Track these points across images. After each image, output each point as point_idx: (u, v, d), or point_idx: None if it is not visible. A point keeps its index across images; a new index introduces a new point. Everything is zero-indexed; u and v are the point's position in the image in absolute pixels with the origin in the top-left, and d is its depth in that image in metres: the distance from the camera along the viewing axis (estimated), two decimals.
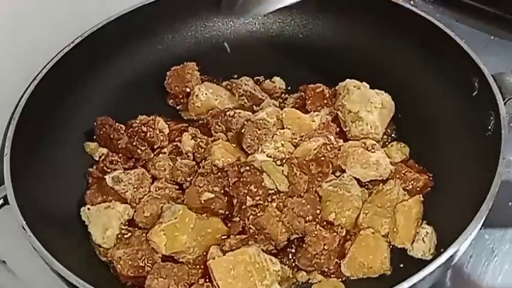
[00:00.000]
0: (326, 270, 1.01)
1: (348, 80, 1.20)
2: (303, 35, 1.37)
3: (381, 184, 1.09)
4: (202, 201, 1.06)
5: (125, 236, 1.05)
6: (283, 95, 1.29)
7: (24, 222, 0.96)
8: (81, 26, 1.24)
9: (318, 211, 1.05)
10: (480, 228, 0.95)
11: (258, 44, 1.38)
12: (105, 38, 1.27)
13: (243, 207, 1.04)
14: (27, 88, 1.15)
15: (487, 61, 1.14)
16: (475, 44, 1.37)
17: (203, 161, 1.13)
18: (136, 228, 1.07)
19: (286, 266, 1.03)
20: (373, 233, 1.03)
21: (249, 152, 1.12)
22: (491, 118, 1.06)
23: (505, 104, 1.06)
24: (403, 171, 1.10)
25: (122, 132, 1.17)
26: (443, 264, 0.90)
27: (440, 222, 1.04)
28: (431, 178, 1.10)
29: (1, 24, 1.12)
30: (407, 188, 1.09)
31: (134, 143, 1.15)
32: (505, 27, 1.45)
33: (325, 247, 1.00)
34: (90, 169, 1.16)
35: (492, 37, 1.45)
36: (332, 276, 1.01)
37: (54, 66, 1.18)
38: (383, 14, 1.28)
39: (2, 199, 1.00)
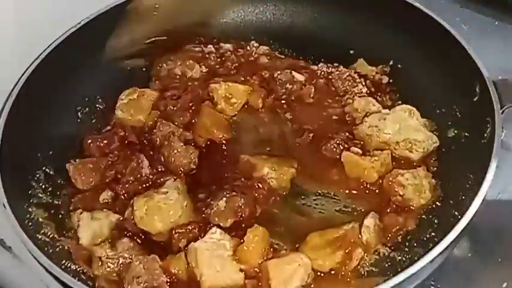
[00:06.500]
0: None
1: None
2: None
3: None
4: None
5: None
6: None
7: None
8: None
9: None
10: None
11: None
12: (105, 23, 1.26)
13: None
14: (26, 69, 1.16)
15: (490, 47, 1.12)
16: (479, 28, 1.36)
17: None
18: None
19: None
20: None
21: None
22: (488, 125, 1.04)
23: (502, 112, 1.05)
24: None
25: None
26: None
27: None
28: None
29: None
30: None
31: None
32: (510, 12, 1.41)
33: None
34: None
35: (496, 22, 1.42)
36: None
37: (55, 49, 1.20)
38: (389, 11, 1.26)
39: None
